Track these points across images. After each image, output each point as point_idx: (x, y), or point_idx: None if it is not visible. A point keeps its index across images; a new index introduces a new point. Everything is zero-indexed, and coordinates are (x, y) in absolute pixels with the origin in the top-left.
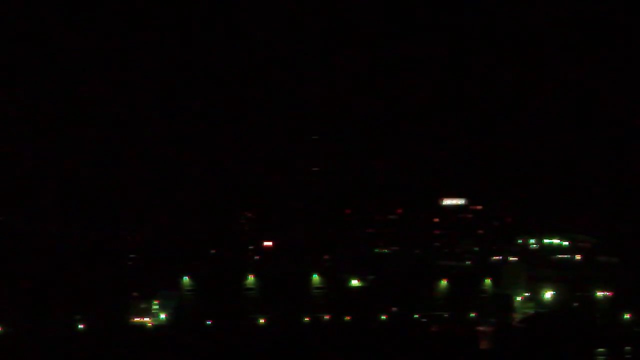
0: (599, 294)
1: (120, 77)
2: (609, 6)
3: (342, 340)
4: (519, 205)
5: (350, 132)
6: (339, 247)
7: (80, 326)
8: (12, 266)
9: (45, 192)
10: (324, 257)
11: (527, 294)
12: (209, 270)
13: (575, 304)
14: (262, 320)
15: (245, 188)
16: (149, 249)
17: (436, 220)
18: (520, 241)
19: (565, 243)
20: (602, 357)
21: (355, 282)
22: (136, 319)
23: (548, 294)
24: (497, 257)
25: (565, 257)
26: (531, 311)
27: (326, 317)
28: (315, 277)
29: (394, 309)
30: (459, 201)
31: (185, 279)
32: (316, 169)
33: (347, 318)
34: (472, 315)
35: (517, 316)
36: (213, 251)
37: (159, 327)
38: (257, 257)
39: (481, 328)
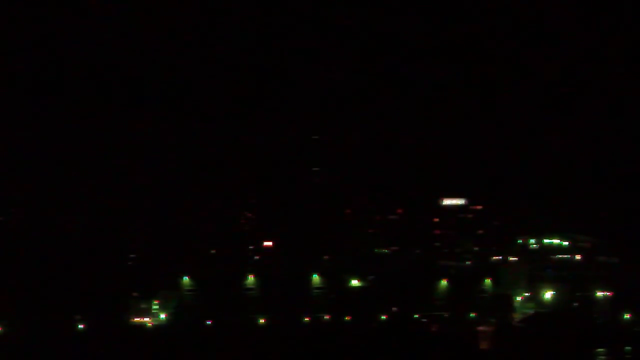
0: (599, 294)
1: (120, 75)
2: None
3: (342, 340)
4: (519, 205)
5: (350, 132)
6: (339, 247)
7: (80, 326)
8: (12, 266)
9: (45, 192)
10: (324, 257)
11: (527, 294)
12: (209, 270)
13: (575, 304)
14: (262, 320)
15: (245, 188)
16: (149, 249)
17: (436, 220)
18: (520, 241)
19: (565, 243)
20: (602, 357)
21: (355, 282)
22: (136, 319)
23: (548, 294)
24: (497, 257)
25: (565, 257)
26: (531, 311)
27: (326, 317)
28: (315, 277)
29: (394, 309)
30: (459, 201)
31: (185, 279)
32: (316, 169)
33: (347, 318)
34: (472, 315)
35: (517, 316)
36: (213, 251)
37: (159, 327)
38: (257, 257)
39: (481, 328)
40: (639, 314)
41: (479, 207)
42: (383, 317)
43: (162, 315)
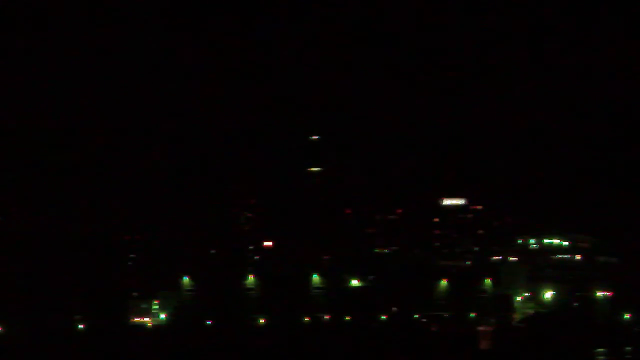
0: (599, 294)
1: (121, 75)
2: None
3: (342, 340)
4: (519, 205)
5: (350, 132)
6: (339, 247)
7: (80, 326)
8: (12, 266)
9: (45, 191)
10: (324, 257)
11: (527, 294)
12: (209, 270)
13: (575, 304)
14: (262, 320)
15: (245, 188)
16: (149, 249)
17: (436, 220)
18: (520, 241)
19: (565, 243)
20: (602, 357)
21: (355, 282)
22: (136, 319)
23: (548, 294)
24: (497, 257)
25: (565, 257)
26: (531, 311)
27: (326, 317)
28: (315, 277)
29: (394, 309)
30: (459, 201)
31: (185, 279)
32: (316, 169)
33: (347, 318)
34: (472, 315)
35: (517, 316)
36: (213, 251)
37: (159, 327)
38: (257, 257)
39: (481, 328)
40: (639, 314)
41: (479, 207)
42: (383, 317)
43: (162, 315)
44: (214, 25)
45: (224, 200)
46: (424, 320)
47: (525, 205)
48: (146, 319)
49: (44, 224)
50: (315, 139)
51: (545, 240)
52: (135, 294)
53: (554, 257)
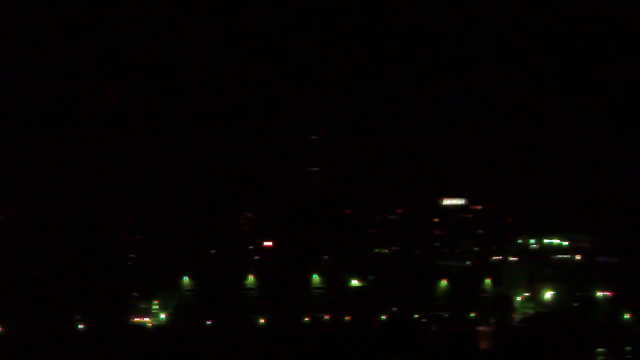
0: (599, 294)
1: (121, 75)
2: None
3: (342, 340)
4: (519, 205)
5: (350, 132)
6: (339, 247)
7: (80, 326)
8: (12, 266)
9: (45, 192)
10: (324, 257)
11: (527, 294)
12: (209, 270)
13: (575, 304)
14: (262, 320)
15: (245, 188)
16: (149, 249)
17: (436, 220)
18: (520, 241)
19: (565, 243)
20: (602, 357)
21: (355, 282)
22: (136, 319)
23: (548, 294)
24: (497, 257)
25: (565, 257)
26: (531, 311)
27: (326, 317)
28: (315, 277)
29: (394, 309)
30: (459, 201)
31: (185, 279)
32: (316, 169)
33: (347, 318)
34: (472, 315)
35: (517, 316)
36: (213, 251)
37: (159, 327)
38: (257, 257)
39: (481, 328)
40: (639, 314)
41: (479, 207)
42: (383, 317)
43: (162, 315)
44: (214, 25)
45: (224, 200)
46: (424, 320)
47: (525, 205)
48: (146, 319)
49: (44, 223)
50: (315, 139)
51: (545, 240)
52: (135, 294)
53: (554, 257)
